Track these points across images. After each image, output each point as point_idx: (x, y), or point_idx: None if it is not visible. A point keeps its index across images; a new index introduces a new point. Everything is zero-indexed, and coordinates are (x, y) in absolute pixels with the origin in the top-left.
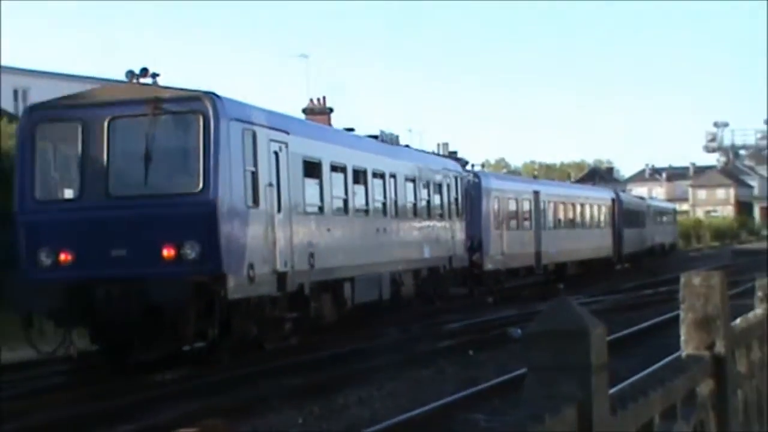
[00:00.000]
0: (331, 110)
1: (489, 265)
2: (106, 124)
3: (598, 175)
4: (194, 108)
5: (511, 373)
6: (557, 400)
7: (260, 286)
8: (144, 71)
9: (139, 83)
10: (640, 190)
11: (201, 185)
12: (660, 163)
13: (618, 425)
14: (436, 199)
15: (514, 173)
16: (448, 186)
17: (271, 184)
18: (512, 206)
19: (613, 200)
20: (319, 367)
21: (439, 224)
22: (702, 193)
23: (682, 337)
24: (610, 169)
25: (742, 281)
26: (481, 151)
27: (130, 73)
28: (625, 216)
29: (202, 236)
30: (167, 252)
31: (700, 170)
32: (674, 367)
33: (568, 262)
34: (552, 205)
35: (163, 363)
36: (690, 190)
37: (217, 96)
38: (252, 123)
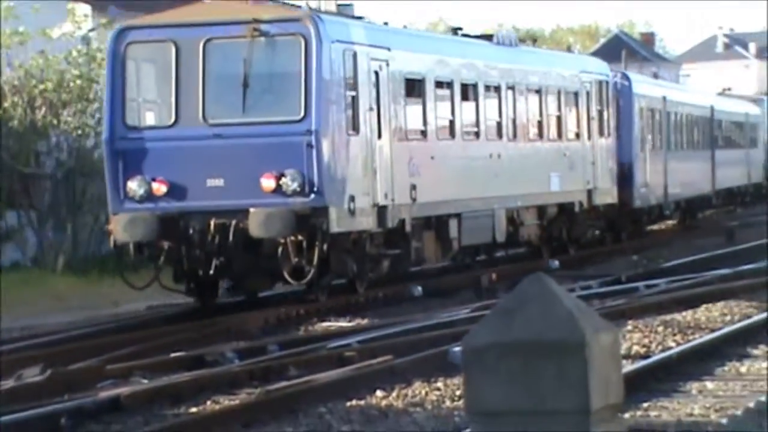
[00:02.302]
0: None
1: (638, 201)
2: (201, 46)
3: (626, 48)
4: (295, 30)
5: None
6: None
7: (360, 220)
8: None
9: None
10: (704, 75)
11: (302, 113)
12: (740, 28)
13: None
14: (569, 114)
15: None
16: (588, 95)
17: (371, 108)
18: (673, 120)
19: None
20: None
21: (573, 147)
22: None
23: None
24: (649, 38)
25: None
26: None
27: None
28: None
29: (304, 166)
30: (266, 182)
31: None
32: None
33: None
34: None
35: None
36: None
37: (319, 16)
38: (352, 42)
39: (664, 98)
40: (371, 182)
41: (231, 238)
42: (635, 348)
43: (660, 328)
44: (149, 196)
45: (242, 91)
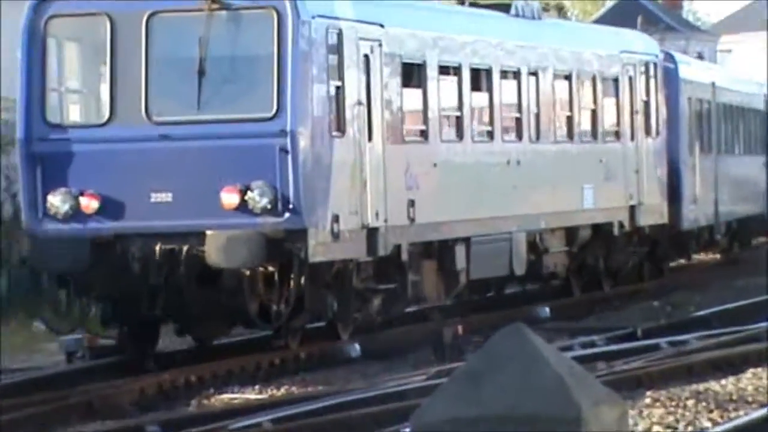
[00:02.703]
0: None
1: (685, 222)
2: (144, 21)
3: (643, 13)
4: (265, 3)
5: None
6: None
7: (346, 246)
8: None
9: None
10: (750, 51)
11: (275, 108)
12: None
13: None
14: (607, 107)
15: None
16: (630, 81)
17: (360, 103)
18: (724, 114)
19: None
20: None
21: (611, 150)
22: None
23: None
24: (674, 1)
25: None
26: None
27: None
28: None
29: (276, 177)
30: (228, 197)
31: None
32: None
33: None
34: None
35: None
36: None
37: None
38: (337, 18)
39: (713, 85)
40: (359, 197)
41: (182, 268)
42: (656, 429)
43: (690, 402)
44: (76, 213)
45: (197, 81)
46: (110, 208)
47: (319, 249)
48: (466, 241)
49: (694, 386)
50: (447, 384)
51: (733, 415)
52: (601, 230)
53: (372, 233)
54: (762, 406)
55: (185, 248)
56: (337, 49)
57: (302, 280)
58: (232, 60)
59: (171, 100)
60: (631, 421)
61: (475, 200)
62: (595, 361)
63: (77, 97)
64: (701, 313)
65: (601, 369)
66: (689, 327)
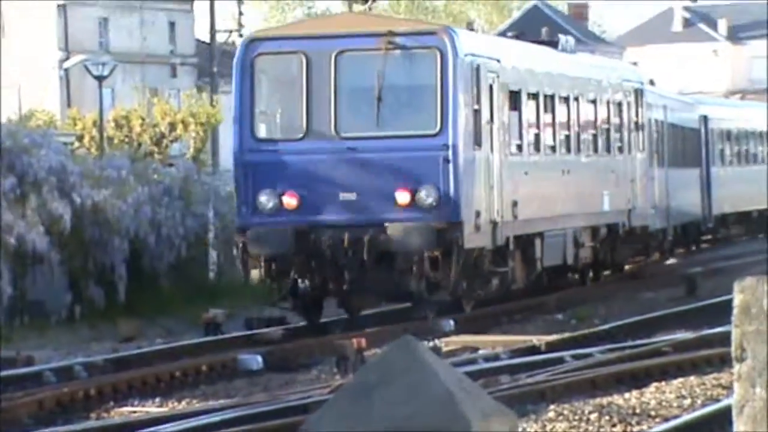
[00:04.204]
0: None
1: (652, 226)
2: (332, 57)
3: (549, 24)
4: (431, 43)
5: None
6: None
7: (483, 237)
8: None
9: (367, 13)
10: (656, 64)
11: (438, 127)
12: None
13: None
14: (615, 126)
15: None
16: (628, 105)
17: (488, 122)
18: (675, 132)
19: None
20: None
21: (619, 162)
22: None
23: None
24: (581, 11)
25: None
26: None
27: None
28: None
29: (440, 180)
30: (402, 197)
31: None
32: None
33: None
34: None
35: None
36: None
37: (453, 30)
38: (477, 55)
39: (665, 107)
40: (488, 198)
41: (365, 252)
42: None
43: (593, 416)
44: (279, 209)
45: (376, 105)
46: (307, 205)
47: (470, 238)
48: (541, 235)
49: (598, 400)
50: (333, 399)
51: (636, 429)
52: (611, 229)
53: (495, 227)
54: (665, 420)
55: (367, 237)
56: (477, 79)
57: (461, 262)
58: (403, 89)
59: (355, 120)
60: None
61: (546, 202)
62: (499, 374)
63: (279, 118)
64: (605, 326)
65: (505, 382)
66: (593, 340)
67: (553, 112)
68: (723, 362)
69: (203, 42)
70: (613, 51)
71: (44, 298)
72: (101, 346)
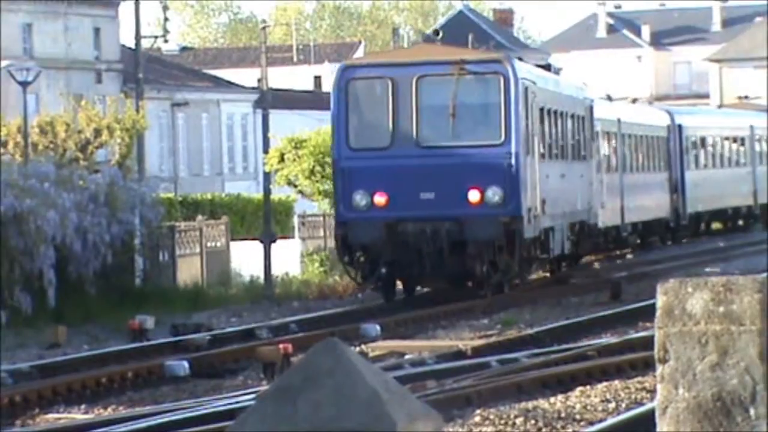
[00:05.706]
0: None
1: (600, 222)
2: (414, 81)
3: (474, 30)
4: (496, 69)
5: None
6: None
7: (533, 228)
8: (436, 33)
9: (441, 45)
10: (580, 69)
11: (503, 138)
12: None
13: None
14: (580, 137)
15: None
16: (583, 119)
17: (533, 134)
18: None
19: None
20: None
21: (583, 167)
22: None
23: None
24: (506, 17)
25: None
26: None
27: (430, 36)
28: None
29: (505, 182)
30: (473, 195)
31: None
32: None
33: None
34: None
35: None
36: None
37: (512, 58)
38: (526, 79)
39: (619, 120)
40: (532, 196)
41: (444, 241)
42: None
43: (519, 420)
44: (371, 207)
45: (450, 120)
46: (394, 202)
47: (527, 228)
48: (552, 228)
49: (524, 404)
50: (261, 400)
51: None
52: (582, 225)
53: (537, 220)
54: (590, 423)
55: (444, 229)
56: (526, 99)
57: (521, 250)
58: (473, 106)
59: (433, 132)
60: None
61: (556, 201)
62: (425, 379)
63: (369, 131)
64: (531, 331)
65: (431, 387)
66: (519, 345)
67: (557, 125)
68: (647, 366)
69: (128, 48)
70: (538, 57)
71: None
72: (27, 353)
